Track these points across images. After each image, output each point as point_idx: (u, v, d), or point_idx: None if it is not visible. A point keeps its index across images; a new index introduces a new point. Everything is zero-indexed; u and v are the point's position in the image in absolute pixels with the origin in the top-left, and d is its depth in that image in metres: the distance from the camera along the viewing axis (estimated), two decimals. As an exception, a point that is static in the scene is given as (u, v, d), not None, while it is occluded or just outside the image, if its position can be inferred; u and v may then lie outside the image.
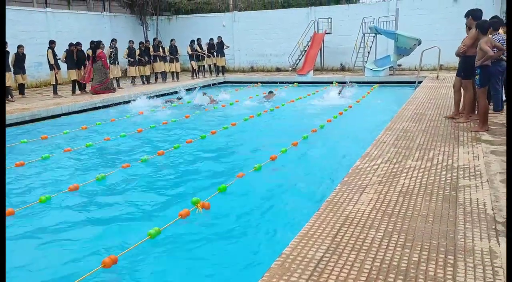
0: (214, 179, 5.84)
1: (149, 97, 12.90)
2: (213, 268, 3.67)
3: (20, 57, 12.57)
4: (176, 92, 14.46)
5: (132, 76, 15.97)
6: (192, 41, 17.77)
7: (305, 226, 3.34)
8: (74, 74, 13.41)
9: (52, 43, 13.01)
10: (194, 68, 17.88)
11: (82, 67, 13.65)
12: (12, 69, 12.27)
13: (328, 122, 9.16)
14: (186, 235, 4.25)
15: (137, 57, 15.69)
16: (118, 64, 15.05)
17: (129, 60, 15.68)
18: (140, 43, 16.26)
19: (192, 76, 18.01)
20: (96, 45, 13.58)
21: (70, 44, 13.43)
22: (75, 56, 13.43)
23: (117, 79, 15.17)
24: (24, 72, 12.91)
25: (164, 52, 16.83)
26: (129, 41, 15.96)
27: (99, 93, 13.34)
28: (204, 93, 13.21)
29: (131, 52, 15.61)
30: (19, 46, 12.53)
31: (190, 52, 17.57)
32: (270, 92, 13.38)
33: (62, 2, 19.76)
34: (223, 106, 12.07)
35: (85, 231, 4.44)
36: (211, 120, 10.24)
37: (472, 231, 3.17)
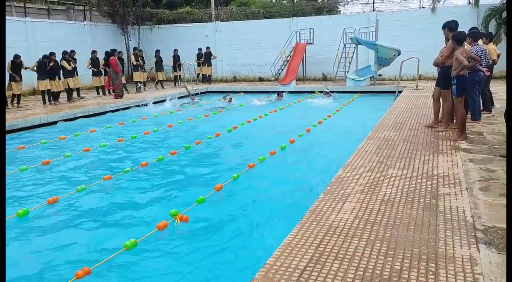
0: (194, 190, 5.81)
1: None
2: (191, 281, 3.63)
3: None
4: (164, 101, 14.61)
5: (96, 86, 15.99)
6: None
7: (288, 236, 3.33)
8: (44, 85, 13.17)
9: (17, 58, 12.71)
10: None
11: (57, 77, 13.52)
12: None
13: (306, 132, 9.25)
14: (163, 247, 4.21)
15: (102, 67, 15.72)
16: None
17: (93, 71, 15.68)
18: (106, 52, 16.20)
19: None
20: (110, 52, 14.61)
21: (44, 56, 13.21)
22: (48, 67, 13.20)
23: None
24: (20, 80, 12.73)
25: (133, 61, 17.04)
26: (92, 51, 15.85)
27: (117, 98, 14.43)
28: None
29: (94, 62, 15.55)
30: None
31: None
32: (279, 93, 15.16)
33: (42, 11, 19.50)
34: (207, 116, 12.05)
35: (60, 244, 4.36)
36: (197, 130, 10.20)
37: (453, 238, 3.21)
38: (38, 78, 13.18)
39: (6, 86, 12.78)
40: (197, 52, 19.40)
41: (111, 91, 15.18)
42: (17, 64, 12.71)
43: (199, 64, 19.34)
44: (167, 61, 18.85)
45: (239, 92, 17.34)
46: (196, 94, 16.83)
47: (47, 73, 13.18)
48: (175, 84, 18.79)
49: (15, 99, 12.93)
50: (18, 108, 12.63)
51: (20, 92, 13.03)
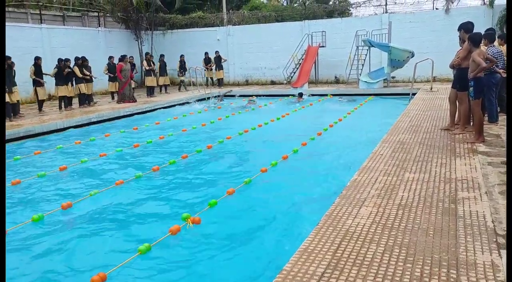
0: (206, 193, 5.83)
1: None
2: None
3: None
4: (173, 106, 14.71)
5: (111, 91, 16.10)
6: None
7: (305, 241, 3.29)
8: (62, 91, 13.30)
9: (37, 59, 12.88)
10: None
11: (69, 83, 13.62)
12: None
13: (318, 135, 9.21)
14: (177, 252, 4.22)
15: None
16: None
17: (109, 76, 15.78)
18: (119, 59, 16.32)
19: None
20: (120, 58, 14.86)
21: (59, 60, 13.35)
22: (64, 73, 13.31)
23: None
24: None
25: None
26: (109, 57, 15.99)
27: (120, 103, 14.57)
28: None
29: (110, 68, 15.65)
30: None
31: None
32: (300, 94, 15.56)
33: (57, 18, 19.80)
34: (220, 119, 12.07)
35: (75, 249, 4.39)
36: (208, 133, 10.22)
37: (473, 244, 3.14)
38: (56, 84, 13.28)
39: (33, 92, 12.86)
40: (204, 57, 19.52)
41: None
42: (40, 66, 12.85)
43: (206, 69, 19.40)
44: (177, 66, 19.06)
45: (251, 96, 17.34)
46: (208, 98, 16.90)
47: (63, 78, 13.34)
48: (179, 89, 18.91)
49: (41, 105, 13.05)
50: (41, 113, 12.76)
51: (45, 97, 13.14)
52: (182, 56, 18.94)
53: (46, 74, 13.12)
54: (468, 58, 6.47)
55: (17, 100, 12.06)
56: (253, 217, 5.05)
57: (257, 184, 6.12)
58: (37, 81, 12.75)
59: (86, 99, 14.32)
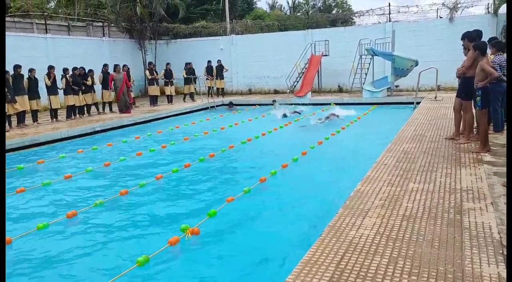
0: (206, 204, 5.81)
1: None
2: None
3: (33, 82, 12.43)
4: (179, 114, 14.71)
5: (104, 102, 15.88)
6: (187, 63, 18.11)
7: (308, 252, 3.25)
8: (71, 100, 13.36)
9: (50, 69, 12.97)
10: (186, 92, 18.13)
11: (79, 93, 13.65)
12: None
13: (318, 144, 9.17)
14: (176, 263, 4.18)
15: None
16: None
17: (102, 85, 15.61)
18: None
19: (184, 99, 18.12)
20: (113, 68, 14.82)
21: (65, 70, 13.35)
22: (70, 82, 13.35)
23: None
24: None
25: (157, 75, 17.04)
26: (104, 65, 15.62)
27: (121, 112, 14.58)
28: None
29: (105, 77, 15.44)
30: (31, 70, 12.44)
31: (185, 76, 17.75)
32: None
33: (62, 28, 20.00)
34: (222, 128, 12.07)
35: (75, 258, 4.37)
36: (210, 142, 10.21)
37: (479, 256, 3.09)
38: (66, 93, 13.23)
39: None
40: (206, 66, 19.07)
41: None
42: (53, 76, 12.92)
43: (208, 78, 19.06)
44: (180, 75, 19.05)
45: (254, 105, 17.36)
46: (212, 107, 16.93)
47: (71, 88, 13.37)
48: (184, 98, 18.83)
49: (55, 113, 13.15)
50: (53, 122, 12.84)
51: (58, 106, 13.19)
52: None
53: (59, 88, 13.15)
54: (473, 67, 6.44)
55: (25, 110, 12.10)
56: (254, 226, 5.02)
57: (257, 193, 6.10)
58: (51, 90, 12.82)
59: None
